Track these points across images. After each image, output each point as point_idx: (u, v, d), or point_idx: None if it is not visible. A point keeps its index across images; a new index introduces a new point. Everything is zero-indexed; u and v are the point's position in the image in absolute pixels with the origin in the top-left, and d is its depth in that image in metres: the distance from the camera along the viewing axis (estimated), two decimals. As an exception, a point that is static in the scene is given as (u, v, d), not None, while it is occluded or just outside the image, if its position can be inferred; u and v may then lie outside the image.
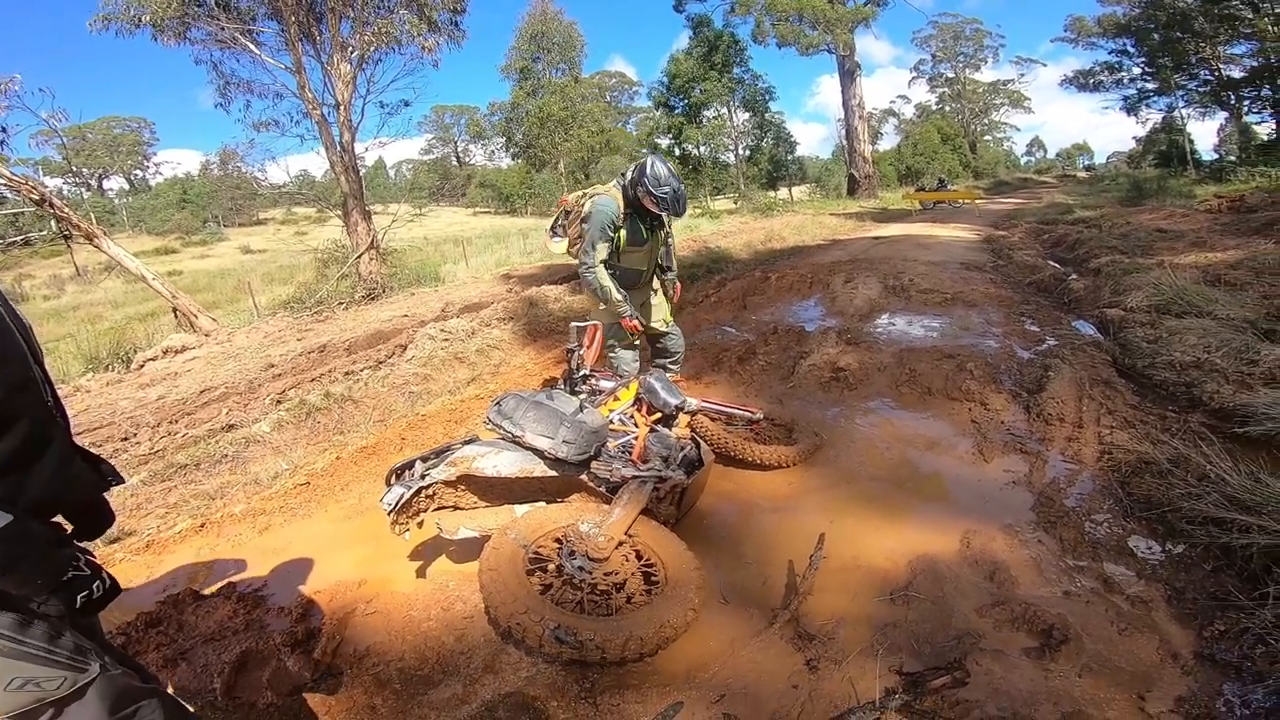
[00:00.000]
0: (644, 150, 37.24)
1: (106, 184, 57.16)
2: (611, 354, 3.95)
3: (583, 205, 3.72)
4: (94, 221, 11.38)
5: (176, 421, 5.25)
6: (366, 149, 16.39)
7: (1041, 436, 3.43)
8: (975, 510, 2.81)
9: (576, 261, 3.76)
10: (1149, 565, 2.35)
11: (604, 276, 3.61)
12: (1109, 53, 33.69)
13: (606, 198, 3.60)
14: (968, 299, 6.55)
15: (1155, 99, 33.20)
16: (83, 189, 51.57)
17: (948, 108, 55.44)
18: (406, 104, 15.71)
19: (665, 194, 3.45)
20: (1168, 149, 31.98)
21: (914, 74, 56.79)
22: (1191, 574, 2.26)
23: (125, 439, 4.71)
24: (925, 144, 45.62)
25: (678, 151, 33.27)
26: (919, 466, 3.31)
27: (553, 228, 3.95)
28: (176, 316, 10.76)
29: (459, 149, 66.43)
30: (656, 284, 4.01)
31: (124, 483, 1.38)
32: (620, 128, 45.69)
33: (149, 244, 38.59)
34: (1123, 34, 31.72)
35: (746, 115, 33.34)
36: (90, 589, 1.24)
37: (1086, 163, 72.29)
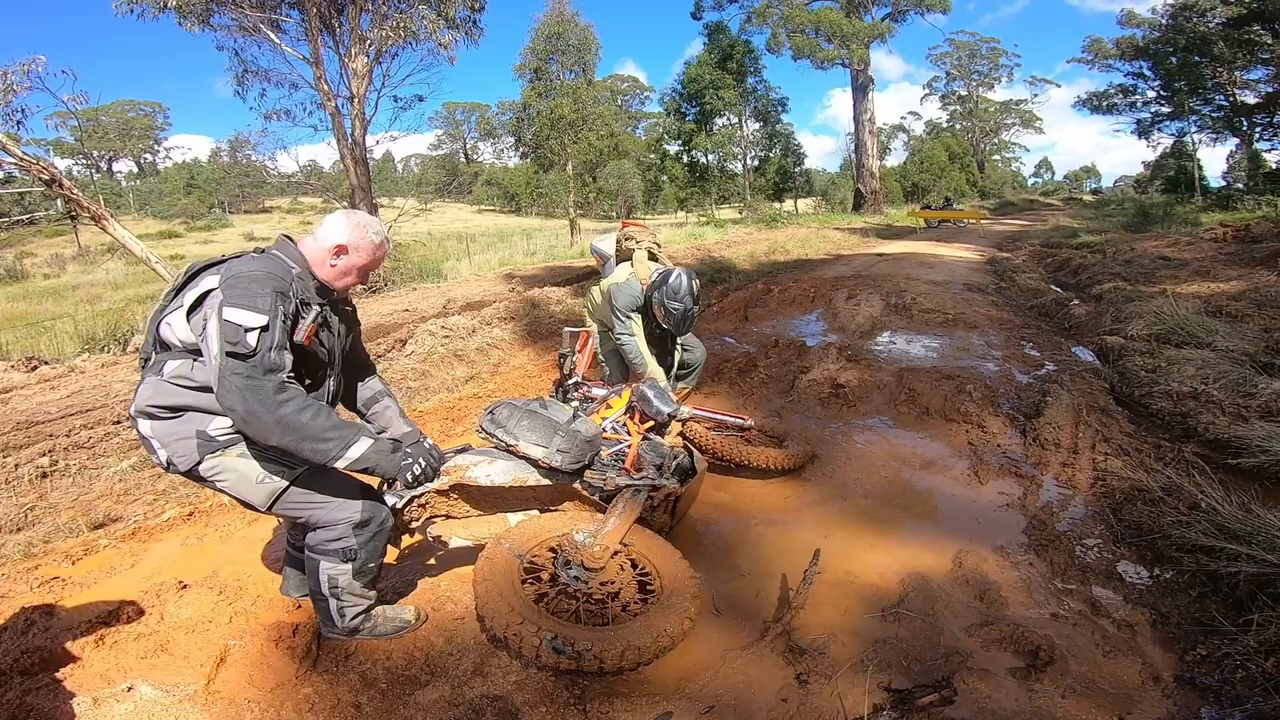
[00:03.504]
0: (652, 156, 37.35)
1: (116, 166, 57.33)
2: (605, 364, 3.98)
3: (617, 267, 3.84)
4: (102, 203, 11.39)
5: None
6: (377, 142, 16.45)
7: (1037, 461, 3.45)
8: (968, 531, 2.83)
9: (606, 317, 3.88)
10: (1136, 590, 2.38)
11: (643, 346, 3.66)
12: (1125, 75, 34.01)
13: (634, 281, 3.67)
14: (969, 320, 6.58)
15: (1168, 123, 33.53)
16: (92, 170, 51.73)
17: (958, 125, 55.66)
18: (420, 99, 15.84)
19: (675, 309, 3.47)
20: (1176, 174, 32.17)
21: (927, 90, 57.14)
22: (1177, 599, 2.29)
23: (117, 422, 4.70)
24: (933, 161, 45.81)
25: (686, 159, 33.36)
26: (914, 485, 3.33)
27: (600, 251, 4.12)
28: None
29: (468, 146, 66.60)
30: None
31: None
32: (630, 132, 45.86)
33: (153, 227, 38.67)
34: (1140, 56, 31.99)
35: (757, 125, 33.49)
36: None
37: (1094, 186, 72.62)
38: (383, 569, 2.16)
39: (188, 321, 1.88)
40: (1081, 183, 76.70)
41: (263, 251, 1.99)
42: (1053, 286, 9.18)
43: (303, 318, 1.91)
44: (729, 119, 33.06)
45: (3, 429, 4.55)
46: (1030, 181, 72.67)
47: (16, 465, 3.92)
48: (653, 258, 3.84)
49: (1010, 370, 5.00)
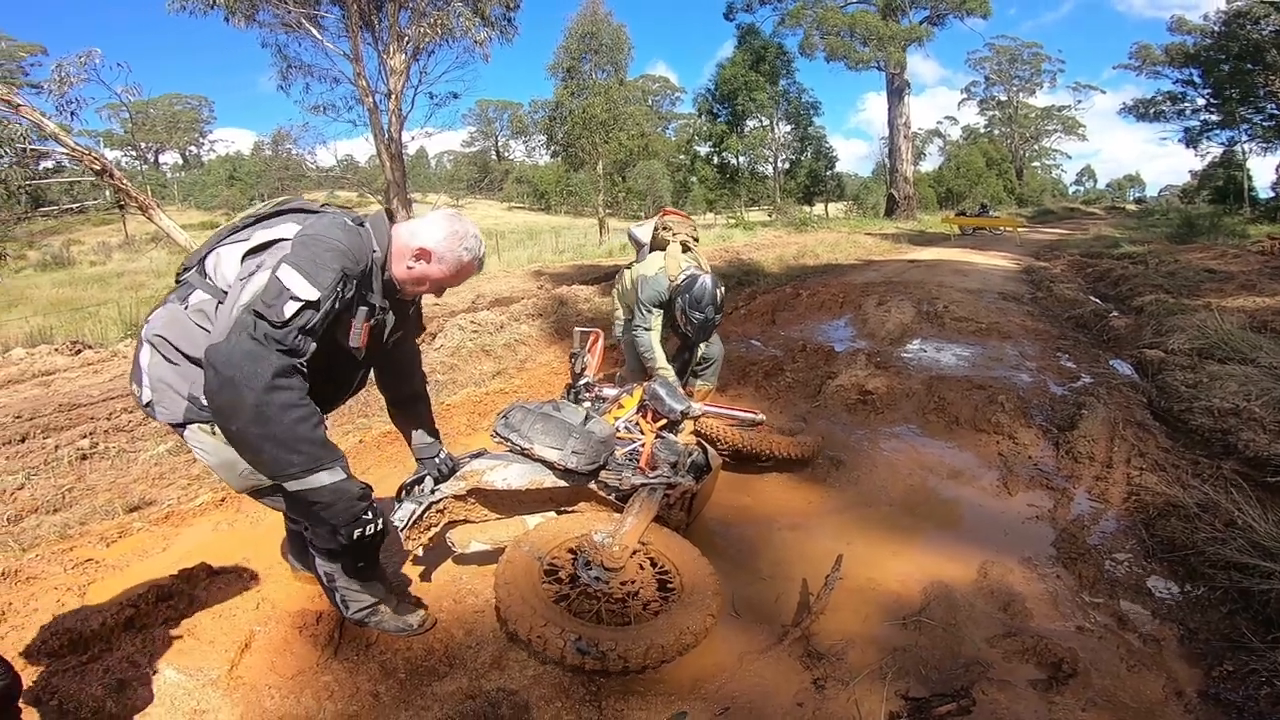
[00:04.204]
0: (681, 156, 37.27)
1: (162, 158, 59.06)
2: (624, 351, 4.02)
3: (649, 255, 3.84)
4: (149, 194, 11.76)
5: (212, 392, 5.36)
6: (413, 138, 16.79)
7: (1069, 474, 3.38)
8: (995, 541, 2.78)
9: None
10: (1165, 605, 2.33)
11: (655, 341, 3.68)
12: (1174, 82, 33.03)
13: (662, 277, 3.65)
14: (1003, 330, 6.45)
15: (1217, 132, 32.42)
16: (140, 162, 53.38)
17: (997, 131, 54.47)
18: (455, 96, 16.14)
19: (697, 318, 3.48)
20: (1225, 184, 31.15)
21: (964, 95, 55.96)
22: (1206, 615, 2.25)
23: (158, 406, 4.83)
24: (969, 167, 44.95)
25: (716, 160, 33.24)
26: (941, 494, 3.28)
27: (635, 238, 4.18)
28: (218, 290, 11.08)
29: (499, 144, 67.20)
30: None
31: None
32: (660, 133, 45.84)
33: (196, 218, 39.70)
34: (1190, 64, 31.02)
35: (789, 128, 33.22)
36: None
37: (1137, 195, 70.55)
38: (378, 566, 2.11)
39: (241, 261, 1.64)
40: (1125, 191, 74.55)
41: (361, 223, 1.78)
42: (1091, 297, 8.96)
43: (353, 314, 1.70)
44: (761, 121, 32.87)
45: (45, 410, 4.70)
46: (1071, 189, 70.83)
47: (57, 446, 4.02)
48: (686, 249, 3.81)
49: (1044, 382, 4.89)
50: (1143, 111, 34.90)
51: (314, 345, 1.59)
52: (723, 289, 3.55)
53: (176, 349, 1.67)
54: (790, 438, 3.40)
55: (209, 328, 1.63)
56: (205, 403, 1.56)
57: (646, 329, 3.67)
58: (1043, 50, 50.98)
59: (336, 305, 1.60)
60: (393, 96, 14.19)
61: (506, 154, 67.13)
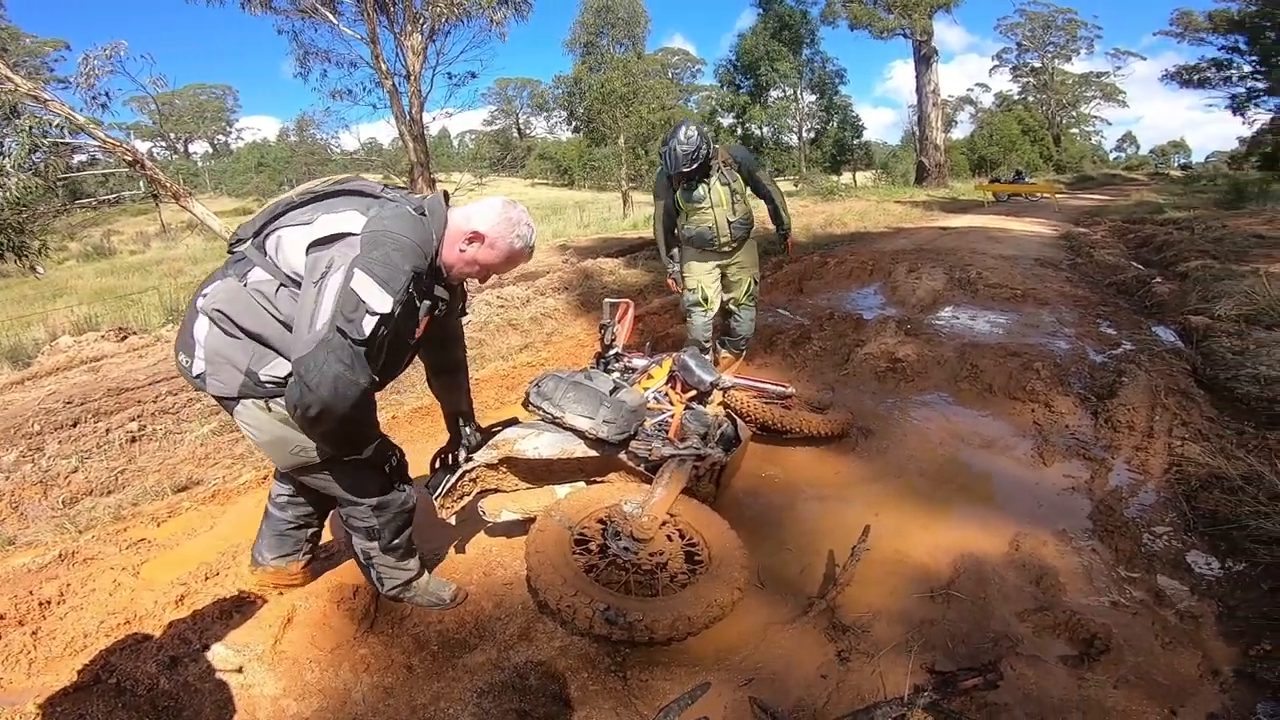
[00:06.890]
0: (704, 128, 36.74)
1: (191, 148, 60.06)
2: (689, 317, 4.19)
3: None
4: (181, 183, 11.97)
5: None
6: (434, 119, 16.81)
7: (1108, 444, 3.28)
8: (1028, 514, 2.72)
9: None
10: (1204, 581, 2.26)
11: (657, 228, 4.03)
12: (1218, 49, 31.27)
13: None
14: (1039, 296, 6.27)
15: (1265, 99, 30.69)
16: (170, 152, 54.39)
17: (1031, 98, 52.27)
18: (473, 75, 16.08)
19: (662, 151, 3.72)
20: (1274, 150, 29.54)
21: (996, 62, 53.53)
22: (1248, 592, 2.18)
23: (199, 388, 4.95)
24: (1003, 134, 43.32)
25: (740, 131, 32.69)
26: (973, 465, 3.22)
27: None
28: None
29: (520, 121, 66.81)
30: (744, 258, 4.13)
31: None
32: (682, 105, 45.08)
33: (228, 205, 40.41)
34: (1235, 30, 29.31)
35: (814, 97, 32.47)
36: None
37: (1182, 161, 67.38)
38: (412, 544, 2.14)
39: (307, 253, 1.64)
40: (1169, 158, 71.14)
41: (422, 211, 1.76)
42: (1134, 263, 8.63)
43: (418, 306, 1.74)
44: (784, 91, 32.12)
45: (95, 395, 4.83)
46: (1113, 156, 67.78)
47: (108, 430, 4.13)
48: None
49: (1083, 348, 4.74)
50: (1186, 78, 33.15)
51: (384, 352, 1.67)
52: (693, 130, 3.69)
53: (237, 325, 1.70)
54: (820, 415, 3.37)
55: (269, 306, 1.70)
56: (286, 403, 1.61)
57: (653, 219, 4.05)
58: (1077, 16, 48.44)
59: (404, 305, 1.65)
60: (411, 78, 14.15)
61: (528, 131, 66.72)
